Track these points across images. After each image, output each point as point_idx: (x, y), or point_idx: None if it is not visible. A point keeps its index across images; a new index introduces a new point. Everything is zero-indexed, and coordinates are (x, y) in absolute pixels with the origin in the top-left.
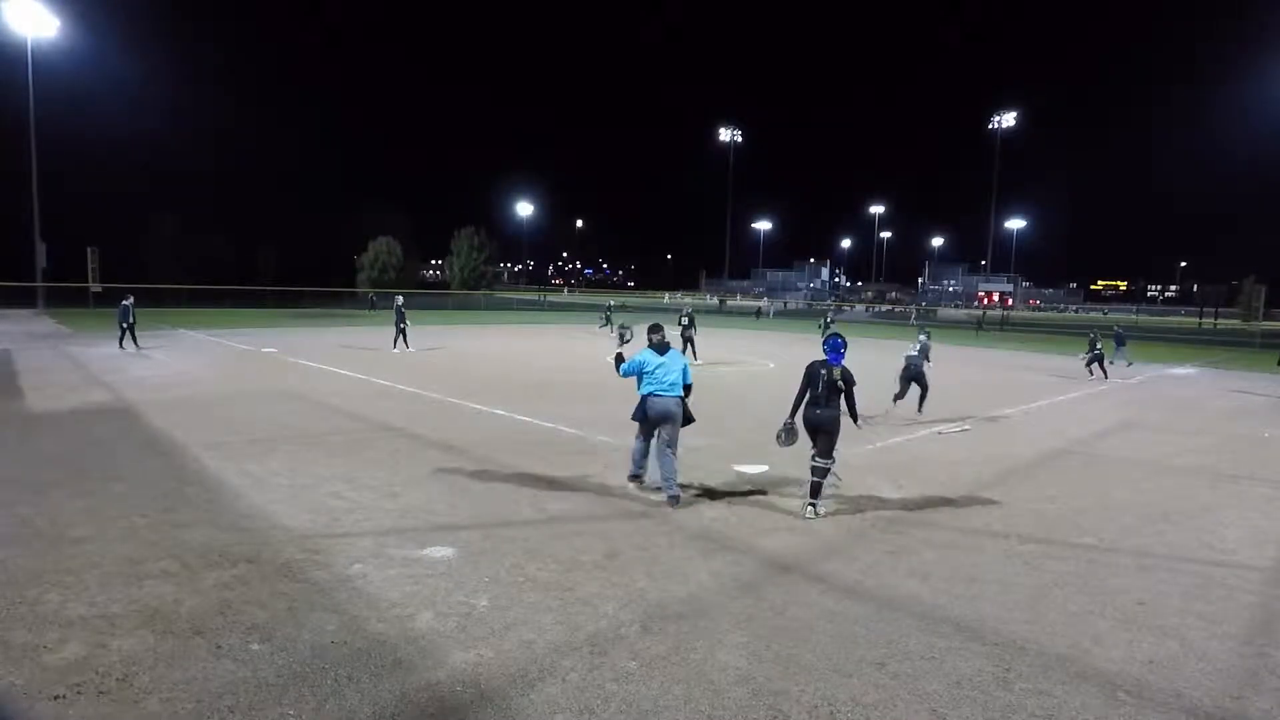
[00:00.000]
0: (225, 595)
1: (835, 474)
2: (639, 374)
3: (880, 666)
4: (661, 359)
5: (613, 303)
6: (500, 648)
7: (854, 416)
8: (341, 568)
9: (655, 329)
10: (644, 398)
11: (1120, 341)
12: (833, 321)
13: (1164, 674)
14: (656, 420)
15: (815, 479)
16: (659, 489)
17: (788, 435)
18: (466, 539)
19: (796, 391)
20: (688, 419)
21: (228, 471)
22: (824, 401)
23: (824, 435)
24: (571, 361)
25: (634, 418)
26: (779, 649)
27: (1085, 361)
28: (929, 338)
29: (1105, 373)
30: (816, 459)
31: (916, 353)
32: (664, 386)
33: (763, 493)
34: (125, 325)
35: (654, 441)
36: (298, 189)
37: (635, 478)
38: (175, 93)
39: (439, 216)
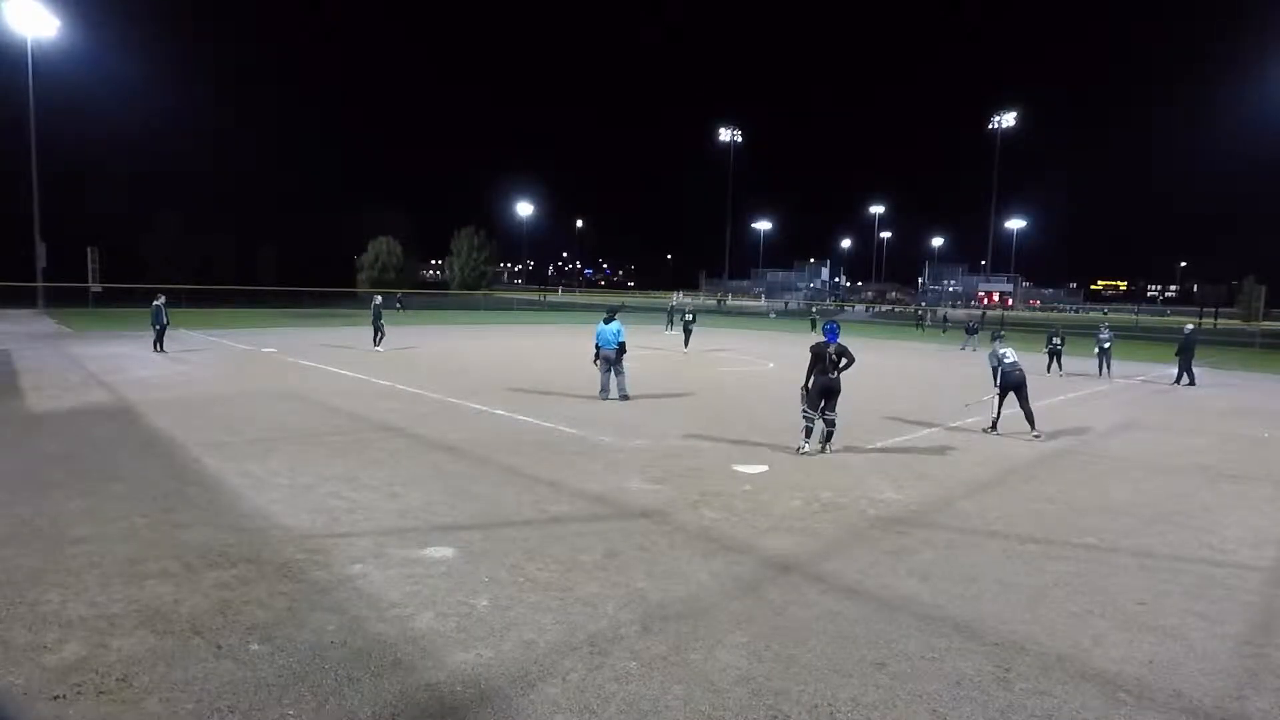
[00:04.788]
0: (225, 595)
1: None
2: (597, 336)
3: (880, 666)
4: (605, 328)
5: (674, 304)
6: (500, 648)
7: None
8: (341, 568)
9: (610, 310)
10: (598, 348)
11: (971, 331)
12: (818, 316)
13: (1164, 674)
14: (605, 359)
15: (830, 429)
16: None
17: (803, 398)
18: (466, 539)
19: (807, 367)
20: (620, 356)
21: (228, 471)
22: (831, 371)
23: (833, 395)
24: (571, 362)
25: (594, 360)
26: (779, 649)
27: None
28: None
29: (1060, 367)
30: (828, 413)
31: (1012, 360)
32: (605, 341)
33: (763, 493)
34: (158, 327)
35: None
36: (298, 189)
37: (603, 397)
38: (175, 92)
39: (439, 216)
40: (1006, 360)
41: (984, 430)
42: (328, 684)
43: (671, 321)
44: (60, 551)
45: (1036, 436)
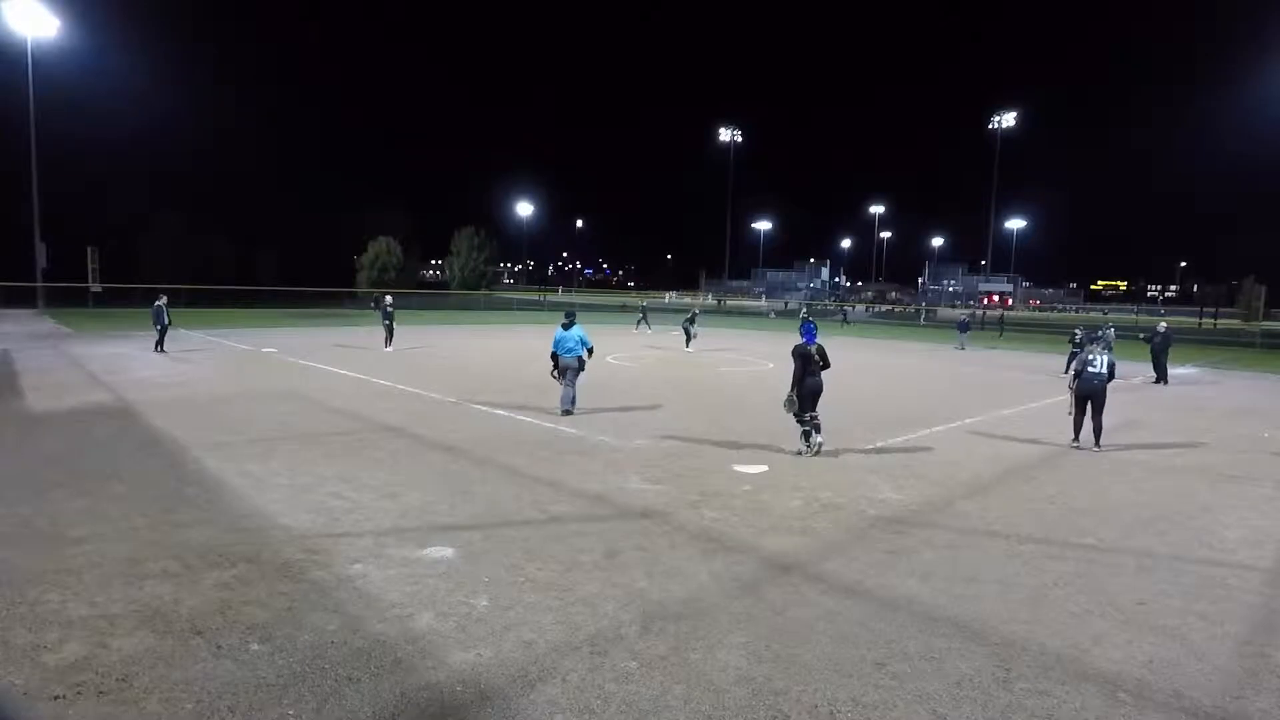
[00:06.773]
0: (225, 595)
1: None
2: (555, 344)
3: (880, 666)
4: (566, 334)
5: (644, 304)
6: (500, 648)
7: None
8: (341, 568)
9: (568, 314)
10: (556, 357)
11: (963, 328)
12: (808, 316)
13: (1164, 674)
14: (564, 368)
15: (815, 428)
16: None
17: (791, 404)
18: (466, 539)
19: (794, 371)
20: (581, 366)
21: (228, 471)
22: (817, 371)
23: (818, 395)
24: None
25: (551, 373)
26: (779, 649)
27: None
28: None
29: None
30: (815, 414)
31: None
32: (565, 350)
33: (763, 493)
34: (159, 327)
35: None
36: (298, 189)
37: (566, 413)
38: (175, 93)
39: (439, 216)
40: (1090, 368)
41: (1069, 444)
42: (328, 684)
43: (642, 321)
44: (60, 551)
45: (1098, 449)
